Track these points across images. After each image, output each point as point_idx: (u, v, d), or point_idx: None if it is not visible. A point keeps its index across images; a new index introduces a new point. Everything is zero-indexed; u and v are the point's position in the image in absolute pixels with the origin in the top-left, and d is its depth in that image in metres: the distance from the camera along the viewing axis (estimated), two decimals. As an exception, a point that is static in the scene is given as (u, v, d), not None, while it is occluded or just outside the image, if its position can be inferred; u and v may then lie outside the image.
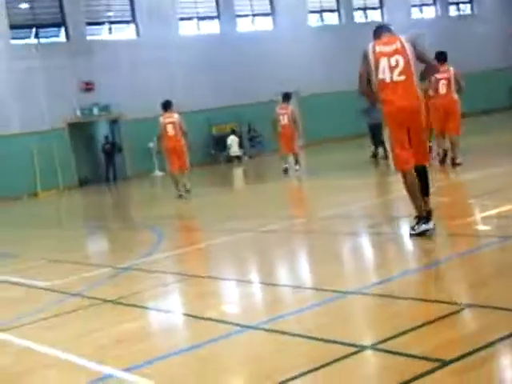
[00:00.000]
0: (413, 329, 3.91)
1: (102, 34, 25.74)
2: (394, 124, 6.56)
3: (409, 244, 6.76)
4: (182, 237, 9.53)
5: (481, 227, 7.05)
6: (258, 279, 6.31)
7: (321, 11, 30.60)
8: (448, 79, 12.49)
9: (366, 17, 32.02)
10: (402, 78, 6.47)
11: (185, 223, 11.11)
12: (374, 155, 16.49)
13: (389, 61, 6.50)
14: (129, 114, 24.89)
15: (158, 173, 24.74)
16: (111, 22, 25.80)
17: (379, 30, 6.87)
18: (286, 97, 16.93)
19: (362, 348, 3.77)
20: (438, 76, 12.13)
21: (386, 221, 8.26)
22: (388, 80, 6.50)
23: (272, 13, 28.91)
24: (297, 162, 16.56)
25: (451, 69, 12.54)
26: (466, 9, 35.42)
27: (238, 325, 4.59)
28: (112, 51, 24.91)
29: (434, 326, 3.96)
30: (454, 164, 12.24)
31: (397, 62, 6.49)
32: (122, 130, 25.45)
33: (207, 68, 26.69)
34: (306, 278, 6.01)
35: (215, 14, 27.72)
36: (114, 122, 25.84)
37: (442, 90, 12.50)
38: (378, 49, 6.60)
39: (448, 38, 32.04)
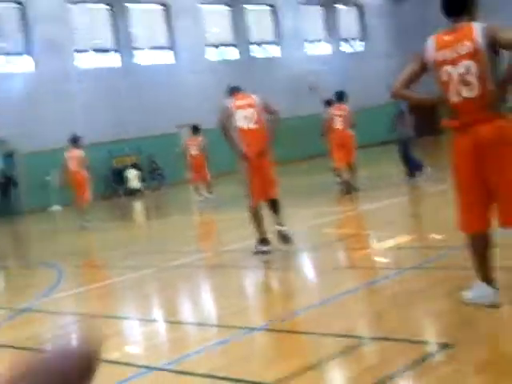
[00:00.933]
0: (317, 364, 3.99)
1: (-4, 65, 25.00)
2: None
3: (310, 278, 6.92)
4: (83, 275, 9.31)
5: (378, 259, 7.29)
6: (161, 317, 6.25)
7: (219, 45, 31.02)
8: (344, 116, 13.72)
9: (264, 52, 32.70)
10: (257, 126, 8.06)
11: (86, 260, 10.86)
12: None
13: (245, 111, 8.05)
14: (25, 147, 24.20)
15: (55, 207, 24.12)
16: (6, 54, 25.11)
17: (234, 89, 8.41)
18: (196, 129, 17.68)
19: (268, 386, 3.80)
20: (336, 113, 13.52)
21: (289, 254, 8.37)
22: (245, 128, 8.02)
23: (172, 46, 29.03)
24: (210, 191, 17.09)
25: (347, 107, 13.85)
26: (358, 46, 36.86)
27: (142, 366, 4.53)
28: (7, 83, 24.22)
29: (338, 361, 4.05)
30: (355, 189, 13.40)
31: (251, 113, 8.08)
32: (18, 163, 24.70)
33: (107, 100, 26.42)
34: (210, 315, 6.00)
35: (114, 47, 27.54)
36: (8, 156, 25.04)
37: (339, 125, 13.67)
38: (236, 103, 8.10)
39: (341, 74, 33.30)
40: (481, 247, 4.55)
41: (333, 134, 13.90)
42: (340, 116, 13.81)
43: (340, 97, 14.23)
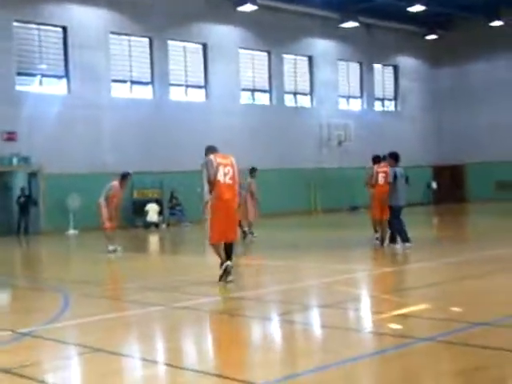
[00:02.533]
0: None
1: (32, 85, 25.37)
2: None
3: (318, 336, 6.74)
4: (89, 305, 9.18)
5: (392, 326, 7.10)
6: (163, 360, 6.10)
7: (253, 90, 31.28)
8: (385, 173, 14.57)
9: (296, 101, 32.92)
10: (231, 181, 10.03)
11: (95, 290, 10.75)
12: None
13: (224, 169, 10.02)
14: (49, 168, 24.38)
15: (72, 231, 24.16)
16: (43, 75, 25.51)
17: (212, 148, 10.58)
18: (253, 171, 18.59)
19: None
20: (379, 170, 14.77)
21: (300, 309, 8.22)
22: (222, 181, 9.91)
23: (205, 85, 29.32)
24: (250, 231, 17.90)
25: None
26: (390, 105, 36.97)
27: (139, 411, 4.38)
28: (40, 104, 24.54)
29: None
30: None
31: (228, 171, 10.03)
32: (41, 183, 24.85)
33: (136, 132, 26.63)
34: (210, 364, 5.84)
35: (149, 79, 27.87)
36: (32, 175, 25.23)
37: (382, 181, 14.62)
38: (218, 160, 10.06)
39: (371, 130, 33.40)
40: None
41: (376, 189, 14.77)
42: (383, 173, 14.63)
43: (385, 157, 14.80)
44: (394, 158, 14.27)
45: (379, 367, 5.46)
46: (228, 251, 10.13)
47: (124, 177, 15.99)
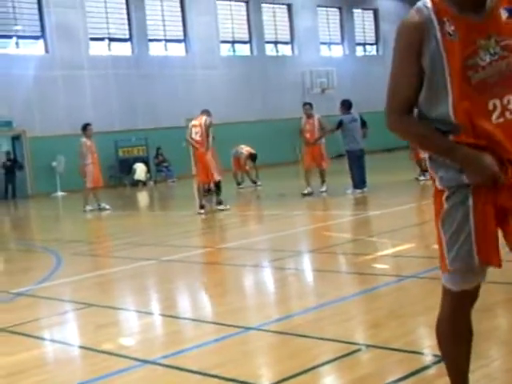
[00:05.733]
0: (311, 368, 3.95)
1: (8, 47, 24.99)
2: None
3: (310, 279, 6.87)
4: (81, 263, 9.27)
5: (380, 266, 7.23)
6: (157, 311, 6.21)
7: (233, 42, 30.97)
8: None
9: (277, 50, 32.65)
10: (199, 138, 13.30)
11: (86, 248, 10.83)
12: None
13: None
14: (33, 131, 24.21)
15: (59, 193, 24.13)
16: (19, 37, 25.11)
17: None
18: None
19: (261, 387, 3.76)
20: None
21: (291, 255, 8.34)
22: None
23: (184, 39, 28.99)
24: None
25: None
26: (372, 50, 36.74)
27: (135, 359, 4.49)
28: (17, 66, 24.21)
29: (335, 366, 4.01)
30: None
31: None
32: (25, 146, 24.70)
33: (117, 90, 26.40)
34: (206, 312, 5.96)
35: (127, 36, 27.51)
36: (16, 139, 25.05)
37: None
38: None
39: (354, 77, 33.20)
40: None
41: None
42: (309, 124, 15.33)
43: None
44: (345, 105, 14.77)
45: (369, 304, 5.60)
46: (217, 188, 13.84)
47: (84, 129, 16.18)
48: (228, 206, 13.65)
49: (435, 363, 3.92)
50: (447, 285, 2.78)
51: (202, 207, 13.40)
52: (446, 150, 2.58)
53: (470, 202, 2.60)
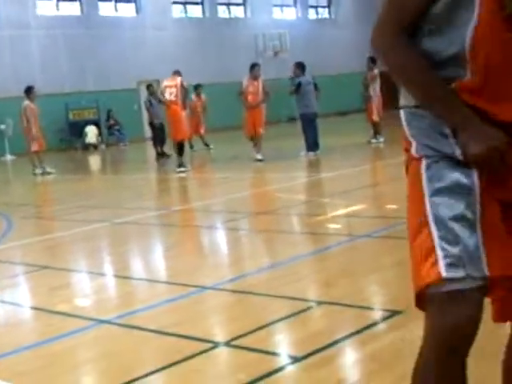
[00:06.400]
0: (265, 325, 4.02)
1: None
2: None
3: (263, 240, 6.94)
4: (33, 226, 9.16)
5: (332, 226, 7.34)
6: (112, 272, 6.21)
7: (185, 3, 30.51)
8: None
9: (230, 12, 32.31)
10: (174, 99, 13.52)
11: (37, 211, 10.70)
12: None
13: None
14: (-22, 93, 23.55)
15: (8, 156, 23.64)
16: (-37, -5, 24.26)
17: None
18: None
19: (216, 344, 3.82)
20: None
21: (244, 216, 8.39)
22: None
23: (136, 0, 28.43)
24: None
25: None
26: (324, 13, 36.65)
27: (90, 319, 4.50)
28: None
29: (288, 323, 4.09)
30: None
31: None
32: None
33: (66, 51, 25.80)
34: (160, 272, 5.98)
35: (76, -5, 26.84)
36: (-39, 101, 24.35)
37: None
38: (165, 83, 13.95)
39: (306, 40, 33.12)
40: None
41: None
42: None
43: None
44: (299, 67, 14.75)
45: (321, 263, 5.70)
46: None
47: (28, 91, 15.98)
48: (189, 167, 13.77)
49: (386, 318, 4.03)
50: (434, 313, 1.80)
51: (180, 165, 13.49)
52: (441, 99, 1.79)
53: (475, 178, 1.79)
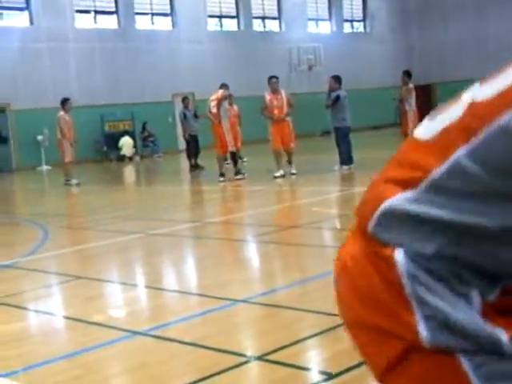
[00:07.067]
0: (298, 340, 4.01)
1: (-7, 19, 24.69)
2: None
3: (295, 254, 6.93)
4: (68, 236, 9.28)
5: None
6: (145, 283, 6.25)
7: (220, 16, 30.75)
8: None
9: (264, 26, 32.47)
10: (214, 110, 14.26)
11: (72, 222, 10.84)
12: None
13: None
14: (17, 104, 23.98)
15: (44, 167, 24.00)
16: (3, 8, 24.77)
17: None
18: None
19: (249, 358, 3.82)
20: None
21: (277, 230, 8.40)
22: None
23: (171, 13, 28.74)
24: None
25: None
26: (360, 27, 36.61)
27: (125, 330, 4.53)
28: (2, 38, 23.91)
29: (321, 338, 4.07)
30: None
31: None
32: (10, 120, 24.48)
33: (103, 63, 26.17)
34: (194, 285, 6.01)
35: (113, 9, 27.22)
36: (0, 112, 24.80)
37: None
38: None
39: (341, 54, 33.09)
40: None
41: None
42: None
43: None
44: (336, 80, 14.55)
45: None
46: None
47: (63, 103, 16.42)
48: (246, 175, 14.36)
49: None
50: None
51: (222, 175, 14.07)
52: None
53: None
